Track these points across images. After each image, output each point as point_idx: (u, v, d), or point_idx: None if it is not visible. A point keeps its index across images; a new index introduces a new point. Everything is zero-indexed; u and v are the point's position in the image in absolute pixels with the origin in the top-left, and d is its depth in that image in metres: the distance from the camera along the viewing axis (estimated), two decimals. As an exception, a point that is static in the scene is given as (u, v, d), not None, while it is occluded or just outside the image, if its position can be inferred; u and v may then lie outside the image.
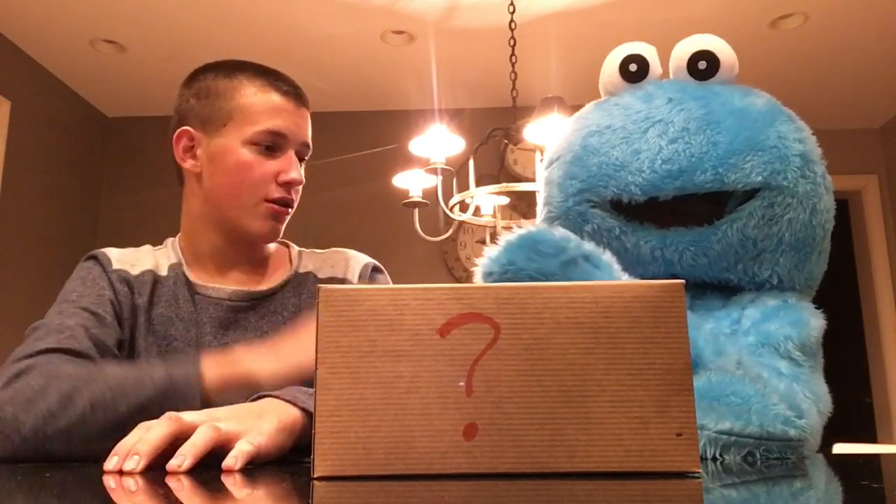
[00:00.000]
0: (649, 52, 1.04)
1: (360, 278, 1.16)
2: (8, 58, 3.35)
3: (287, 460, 0.75)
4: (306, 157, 1.13)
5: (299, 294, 1.13)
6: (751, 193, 0.93)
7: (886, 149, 4.21)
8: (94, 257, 1.10)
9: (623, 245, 0.97)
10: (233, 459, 0.65)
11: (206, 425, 0.68)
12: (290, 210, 1.10)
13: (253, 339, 1.07)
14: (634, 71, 1.03)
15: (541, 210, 1.07)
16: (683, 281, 0.55)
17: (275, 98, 1.08)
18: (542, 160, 2.14)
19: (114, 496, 0.50)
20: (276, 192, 1.07)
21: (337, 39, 3.40)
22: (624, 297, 0.54)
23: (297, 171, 1.09)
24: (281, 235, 1.12)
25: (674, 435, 0.52)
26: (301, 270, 1.16)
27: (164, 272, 1.11)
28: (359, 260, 1.19)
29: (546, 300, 0.54)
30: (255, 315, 1.09)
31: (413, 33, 3.37)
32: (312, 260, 1.19)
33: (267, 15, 3.19)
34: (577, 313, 0.53)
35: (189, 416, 0.70)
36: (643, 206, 0.95)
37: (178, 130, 1.10)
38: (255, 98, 1.08)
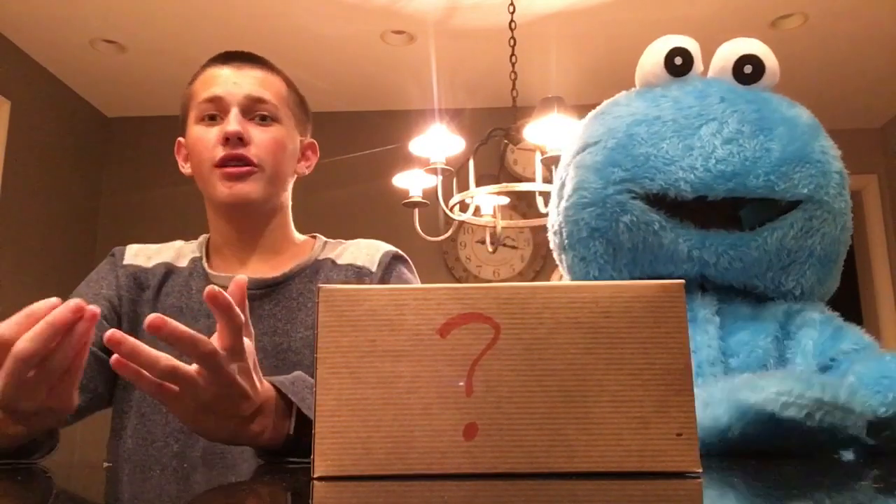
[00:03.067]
0: (693, 46, 1.03)
1: (379, 265, 1.12)
2: (8, 58, 3.35)
3: (287, 461, 0.75)
4: (265, 113, 1.07)
5: (315, 280, 1.10)
6: (787, 206, 0.93)
7: (886, 149, 4.21)
8: (113, 254, 1.13)
9: (660, 241, 0.95)
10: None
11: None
12: (248, 168, 1.04)
13: (266, 327, 1.05)
14: (679, 64, 1.01)
15: (568, 195, 1.02)
16: (683, 281, 0.55)
17: (212, 71, 1.08)
18: (544, 155, 2.12)
19: (115, 493, 0.50)
20: (220, 153, 1.04)
21: (337, 39, 3.40)
22: (624, 297, 0.54)
23: (234, 123, 1.04)
24: (257, 197, 1.06)
25: (674, 435, 0.52)
26: (320, 258, 1.13)
27: (182, 264, 1.12)
28: (380, 248, 1.15)
29: (546, 300, 0.54)
30: (269, 303, 1.07)
31: (413, 33, 3.37)
32: (334, 248, 1.16)
33: (267, 15, 3.19)
34: (577, 313, 0.53)
35: None
36: (678, 203, 0.94)
37: (176, 141, 1.13)
38: (198, 79, 1.09)
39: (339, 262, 1.13)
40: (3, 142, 3.28)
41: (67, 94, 3.81)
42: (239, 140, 1.04)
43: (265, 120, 1.07)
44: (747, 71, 0.99)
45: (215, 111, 1.05)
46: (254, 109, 1.06)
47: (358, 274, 1.11)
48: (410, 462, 0.51)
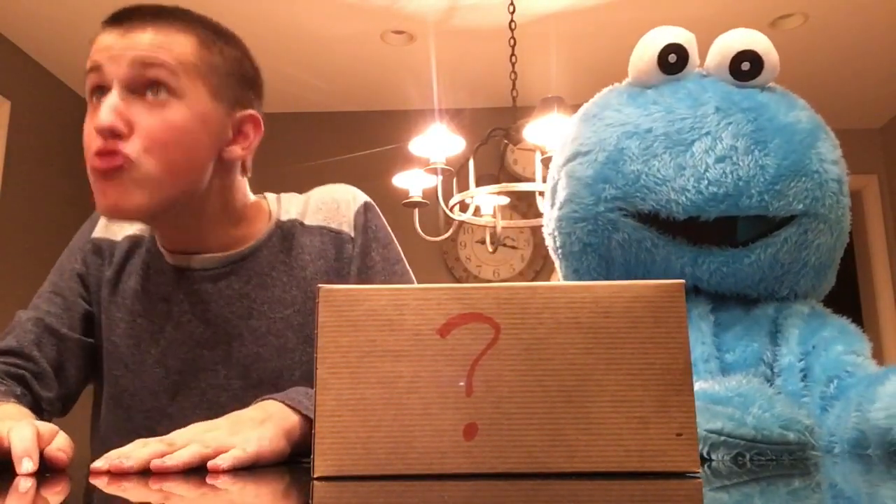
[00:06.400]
0: (688, 40, 0.98)
1: (356, 229, 1.00)
2: (8, 58, 3.35)
3: (287, 461, 0.75)
4: (157, 82, 0.83)
5: (288, 249, 0.96)
6: (782, 220, 0.92)
7: (886, 149, 4.20)
8: (91, 219, 1.05)
9: (652, 258, 0.94)
10: (221, 459, 0.64)
11: (192, 444, 0.65)
12: (116, 165, 0.81)
13: (240, 309, 0.94)
14: (674, 62, 0.97)
15: (560, 204, 0.99)
16: (683, 281, 0.55)
17: (100, 36, 0.85)
18: (544, 155, 2.11)
19: (112, 492, 0.50)
20: (93, 149, 0.81)
21: (337, 39, 3.40)
22: (624, 297, 0.54)
23: (108, 112, 0.80)
24: (139, 206, 0.84)
25: (674, 435, 0.52)
26: (284, 218, 0.99)
27: (146, 239, 0.99)
28: (349, 204, 1.02)
29: (546, 300, 0.54)
30: (237, 281, 0.94)
31: (413, 33, 3.36)
32: (294, 205, 1.01)
33: (267, 15, 3.19)
34: (577, 313, 0.53)
35: (183, 436, 0.67)
36: (674, 221, 0.92)
37: None
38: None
39: (308, 222, 0.99)
40: (3, 142, 3.28)
41: (67, 94, 3.81)
42: (113, 134, 0.81)
43: (158, 93, 0.83)
44: (745, 68, 0.96)
45: (95, 87, 0.83)
46: (143, 79, 0.82)
47: (336, 240, 0.99)
48: (410, 462, 0.51)
